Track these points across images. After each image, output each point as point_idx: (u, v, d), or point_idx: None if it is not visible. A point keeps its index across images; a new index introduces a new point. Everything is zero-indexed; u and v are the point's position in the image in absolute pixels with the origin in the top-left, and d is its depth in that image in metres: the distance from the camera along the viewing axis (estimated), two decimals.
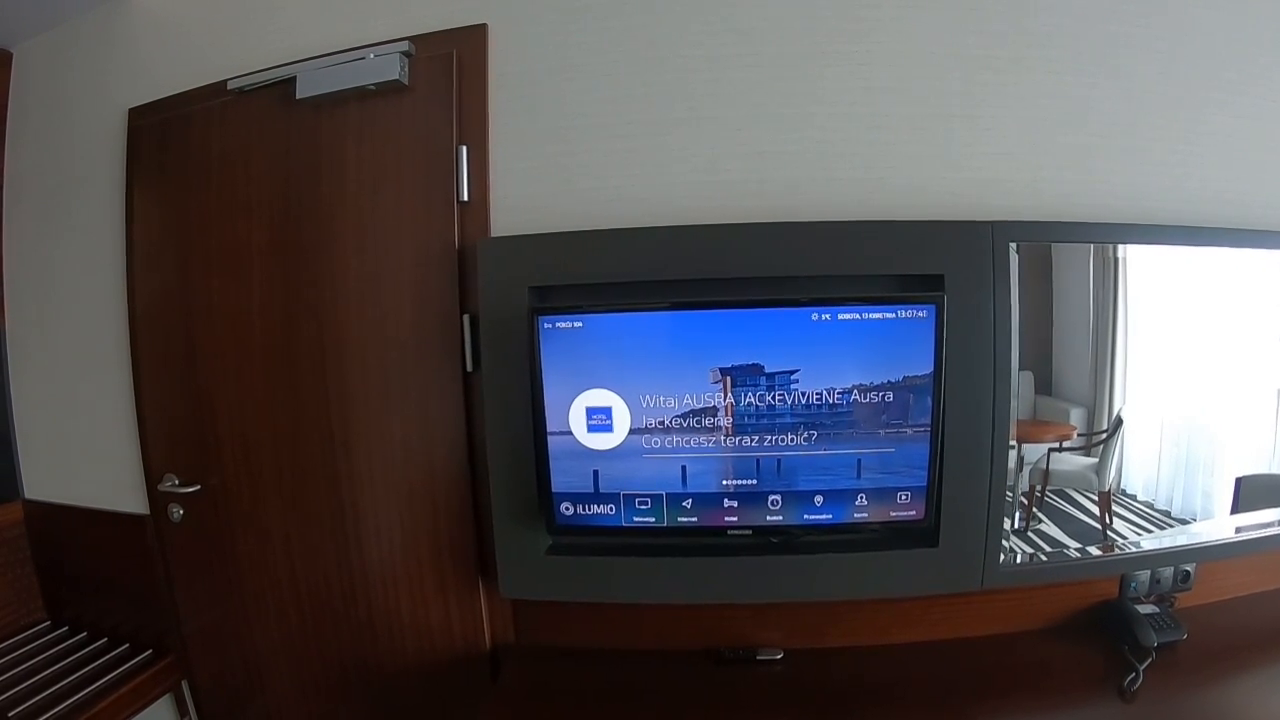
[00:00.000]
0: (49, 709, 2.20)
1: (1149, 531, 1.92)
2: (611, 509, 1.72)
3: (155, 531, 2.44)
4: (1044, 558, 1.87)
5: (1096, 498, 1.91)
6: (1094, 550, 1.91)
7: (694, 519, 1.71)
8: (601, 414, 1.68)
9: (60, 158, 2.62)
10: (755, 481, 1.69)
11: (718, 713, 1.72)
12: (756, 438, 1.67)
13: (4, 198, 2.75)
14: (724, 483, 1.69)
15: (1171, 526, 1.94)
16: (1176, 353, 1.90)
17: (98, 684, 2.33)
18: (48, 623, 2.80)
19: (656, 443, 1.68)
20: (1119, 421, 1.88)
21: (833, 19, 1.82)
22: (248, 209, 2.14)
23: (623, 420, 1.67)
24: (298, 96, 1.98)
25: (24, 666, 2.46)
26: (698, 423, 1.67)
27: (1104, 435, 1.90)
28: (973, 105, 1.83)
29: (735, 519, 1.71)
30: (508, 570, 1.85)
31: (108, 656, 2.50)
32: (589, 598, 1.86)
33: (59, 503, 2.74)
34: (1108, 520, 1.92)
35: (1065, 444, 1.90)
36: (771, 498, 1.70)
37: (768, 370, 1.65)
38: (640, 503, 1.71)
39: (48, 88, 2.66)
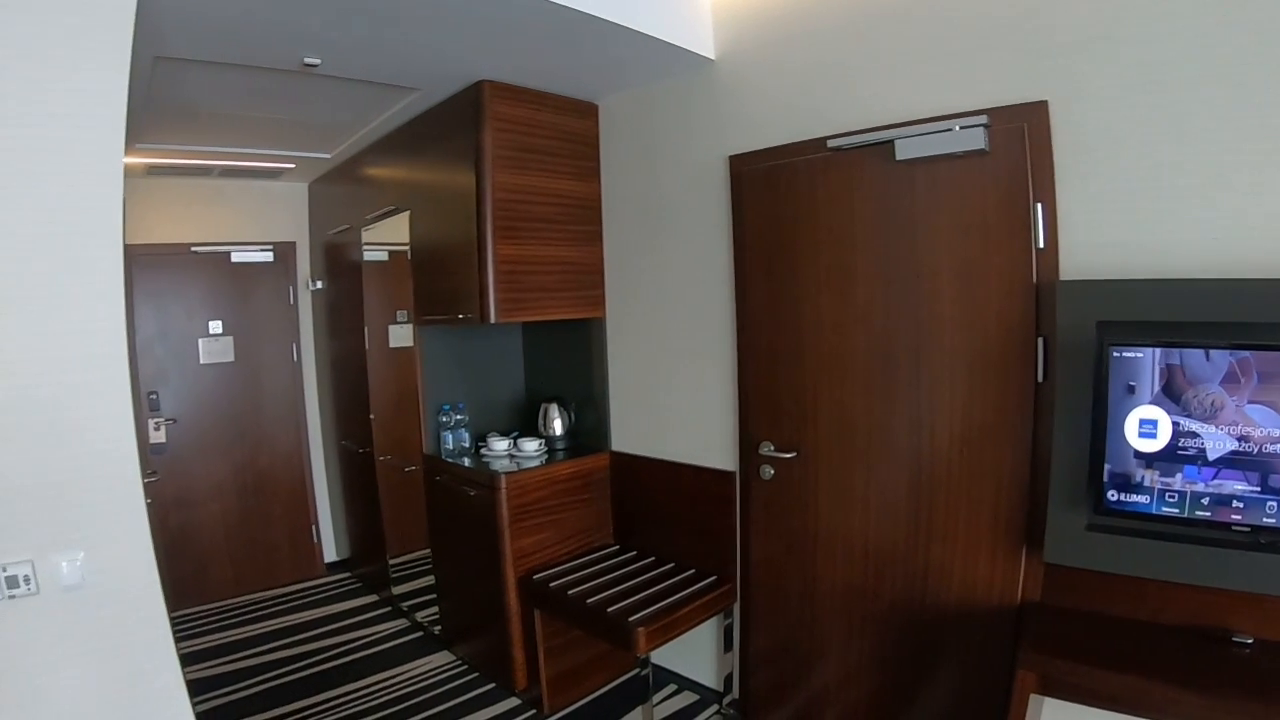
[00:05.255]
0: (647, 606, 3.34)
1: None
2: (1146, 499, 2.38)
3: (742, 484, 3.52)
4: None
5: None
6: None
7: (1208, 514, 2.31)
8: (1149, 424, 2.35)
9: (655, 190, 3.88)
10: (1259, 488, 2.25)
11: (1205, 681, 2.17)
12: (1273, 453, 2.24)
13: (603, 218, 4.12)
14: (1236, 487, 2.28)
15: None
16: None
17: (681, 594, 3.45)
18: (616, 546, 4.10)
19: (1190, 449, 2.32)
20: None
21: None
22: (852, 242, 3.03)
23: (1165, 430, 2.34)
24: (897, 158, 2.82)
25: (610, 576, 3.71)
26: (1229, 447, 2.28)
27: None
28: None
29: (1239, 517, 2.28)
30: (1053, 540, 2.56)
31: (677, 578, 3.64)
32: (1115, 569, 2.49)
33: (640, 454, 4.02)
34: None
35: None
36: (1269, 504, 2.25)
37: None
38: (1169, 496, 2.36)
39: (641, 133, 3.93)
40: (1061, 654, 2.33)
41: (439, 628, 4.71)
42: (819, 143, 3.10)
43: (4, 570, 2.04)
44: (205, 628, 5.21)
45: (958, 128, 2.70)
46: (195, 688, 2.36)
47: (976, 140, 2.66)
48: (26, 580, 2.08)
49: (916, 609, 2.99)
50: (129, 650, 2.28)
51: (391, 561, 5.25)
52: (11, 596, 2.06)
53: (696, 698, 3.91)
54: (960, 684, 2.90)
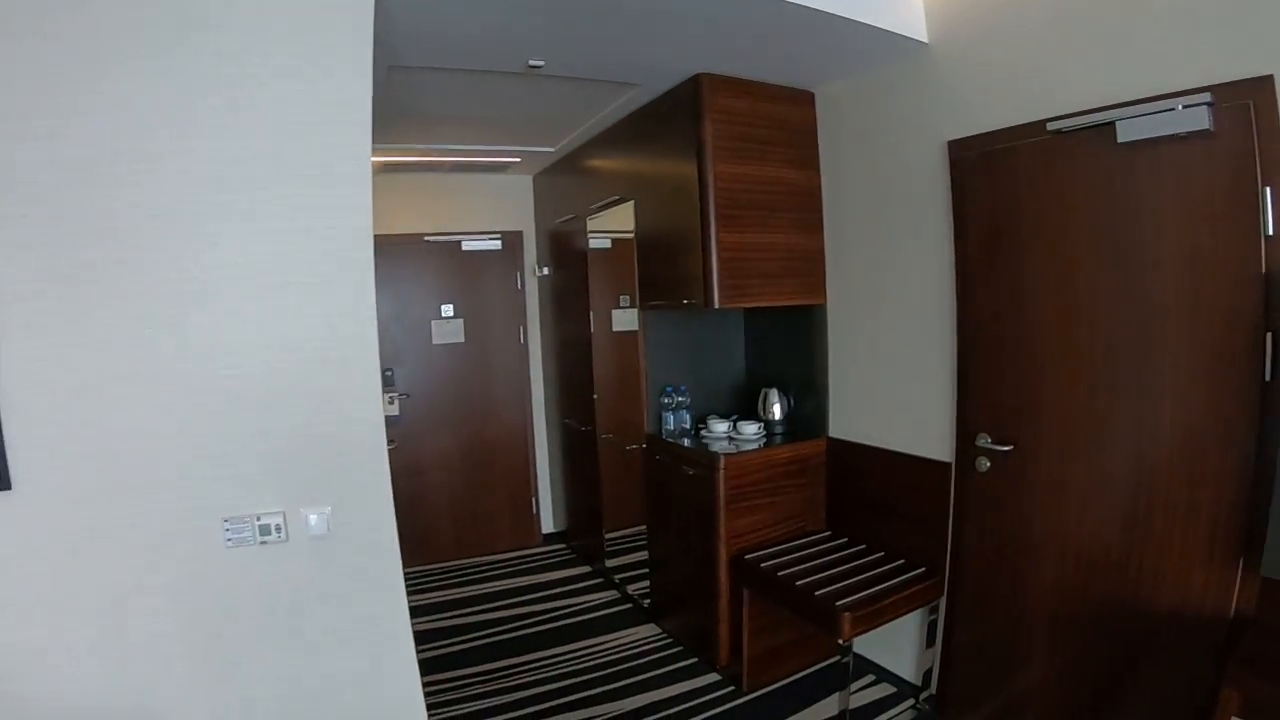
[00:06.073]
0: (855, 592, 3.43)
1: None
2: None
3: (957, 476, 3.53)
4: None
5: None
6: None
7: None
8: None
9: (873, 176, 3.93)
10: None
11: None
12: None
13: (824, 205, 4.21)
14: None
15: None
16: None
17: (888, 583, 3.51)
18: (828, 532, 4.20)
19: None
20: None
21: None
22: (1074, 230, 2.97)
23: None
24: (1119, 140, 2.75)
25: (820, 560, 3.80)
26: None
27: None
28: None
29: None
30: (1272, 553, 2.44)
31: (885, 567, 3.69)
32: None
33: (857, 441, 4.11)
34: None
35: None
36: None
37: None
38: None
39: (857, 120, 3.99)
40: (1272, 676, 2.20)
41: (648, 601, 4.97)
42: (1038, 125, 3.06)
43: (258, 519, 2.39)
44: (427, 585, 5.77)
45: (1180, 107, 2.60)
46: (416, 639, 2.66)
47: (1200, 120, 2.56)
48: (278, 529, 2.41)
49: (1125, 614, 2.92)
50: (366, 596, 2.58)
51: (607, 535, 5.57)
52: (263, 542, 2.40)
53: (893, 690, 3.95)
54: (1162, 695, 2.82)
